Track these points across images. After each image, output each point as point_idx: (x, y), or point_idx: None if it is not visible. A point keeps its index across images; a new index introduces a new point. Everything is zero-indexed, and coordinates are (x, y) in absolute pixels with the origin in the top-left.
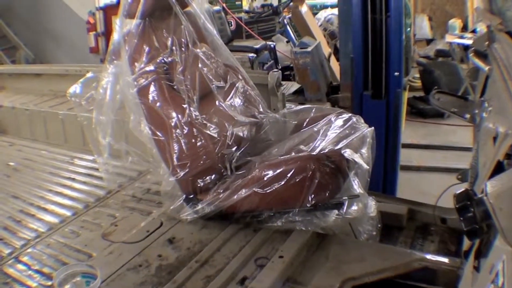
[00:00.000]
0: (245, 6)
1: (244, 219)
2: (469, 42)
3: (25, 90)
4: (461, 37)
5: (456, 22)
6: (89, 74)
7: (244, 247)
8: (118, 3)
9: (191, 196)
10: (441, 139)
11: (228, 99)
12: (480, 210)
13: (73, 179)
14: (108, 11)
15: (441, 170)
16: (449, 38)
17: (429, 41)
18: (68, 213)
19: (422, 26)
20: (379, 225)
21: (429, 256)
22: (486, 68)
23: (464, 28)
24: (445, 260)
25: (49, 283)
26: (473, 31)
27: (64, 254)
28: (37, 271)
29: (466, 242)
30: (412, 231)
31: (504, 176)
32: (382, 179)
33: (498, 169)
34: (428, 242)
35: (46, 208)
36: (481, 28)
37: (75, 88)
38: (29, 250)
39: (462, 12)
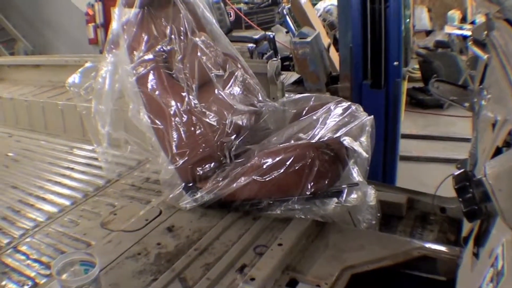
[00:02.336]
0: None
1: (243, 207)
2: (468, 33)
3: (24, 81)
4: (460, 28)
5: (455, 14)
6: (87, 64)
7: (244, 235)
8: None
9: (190, 184)
10: (441, 129)
11: (227, 88)
12: (479, 191)
13: (72, 169)
14: (107, 3)
15: (440, 161)
16: (448, 29)
17: (428, 32)
18: (67, 202)
19: (421, 17)
20: (379, 214)
21: (428, 245)
22: (485, 56)
23: (463, 20)
24: (445, 249)
25: (48, 272)
26: (472, 22)
27: (63, 243)
28: (35, 260)
29: (466, 228)
30: (411, 220)
31: (503, 157)
32: (382, 168)
33: (497, 155)
34: (427, 231)
35: (45, 198)
36: (480, 19)
37: (74, 78)
38: (27, 239)
39: (461, 3)
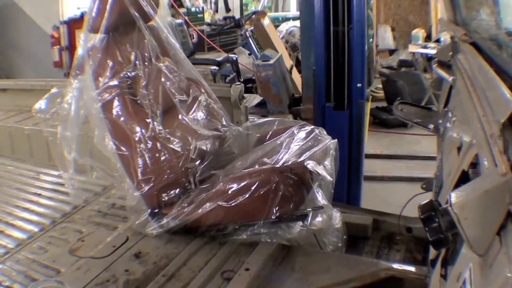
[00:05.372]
0: (207, 18)
1: (209, 232)
2: (433, 52)
3: None
4: (425, 47)
5: (419, 32)
6: (54, 90)
7: (210, 260)
8: (82, 17)
9: (156, 210)
10: (405, 148)
11: (191, 113)
12: (445, 220)
13: (39, 195)
14: (72, 25)
15: (405, 180)
16: (412, 48)
17: (392, 52)
18: (35, 228)
19: (385, 36)
20: (345, 236)
21: (395, 265)
22: (450, 78)
23: (428, 38)
24: (412, 268)
25: None
26: (437, 41)
27: (33, 270)
28: None
29: (432, 251)
30: (377, 241)
31: (469, 187)
32: (346, 190)
33: (463, 178)
34: (394, 252)
35: (14, 224)
36: (445, 37)
37: (41, 104)
38: None
39: (425, 22)
